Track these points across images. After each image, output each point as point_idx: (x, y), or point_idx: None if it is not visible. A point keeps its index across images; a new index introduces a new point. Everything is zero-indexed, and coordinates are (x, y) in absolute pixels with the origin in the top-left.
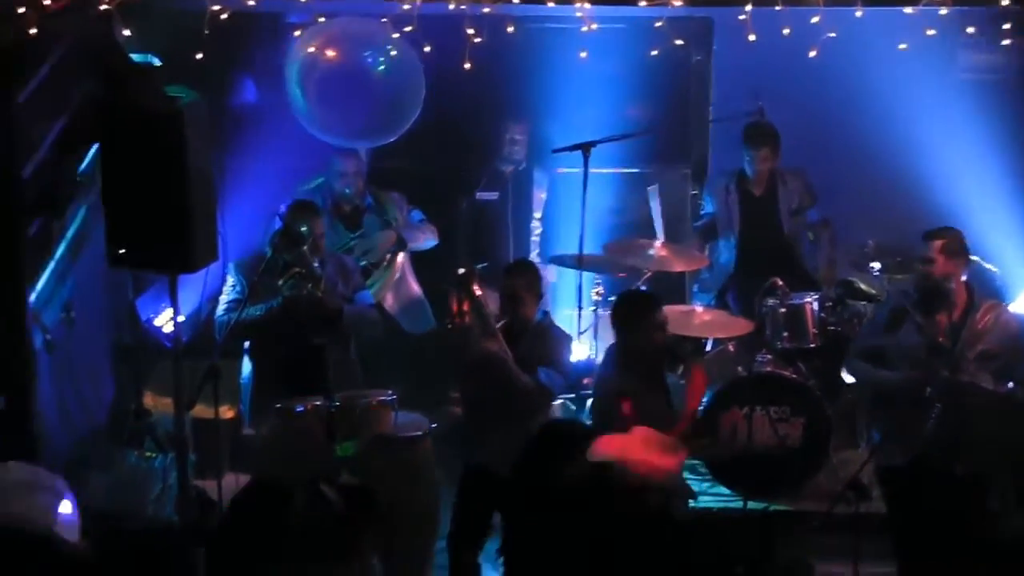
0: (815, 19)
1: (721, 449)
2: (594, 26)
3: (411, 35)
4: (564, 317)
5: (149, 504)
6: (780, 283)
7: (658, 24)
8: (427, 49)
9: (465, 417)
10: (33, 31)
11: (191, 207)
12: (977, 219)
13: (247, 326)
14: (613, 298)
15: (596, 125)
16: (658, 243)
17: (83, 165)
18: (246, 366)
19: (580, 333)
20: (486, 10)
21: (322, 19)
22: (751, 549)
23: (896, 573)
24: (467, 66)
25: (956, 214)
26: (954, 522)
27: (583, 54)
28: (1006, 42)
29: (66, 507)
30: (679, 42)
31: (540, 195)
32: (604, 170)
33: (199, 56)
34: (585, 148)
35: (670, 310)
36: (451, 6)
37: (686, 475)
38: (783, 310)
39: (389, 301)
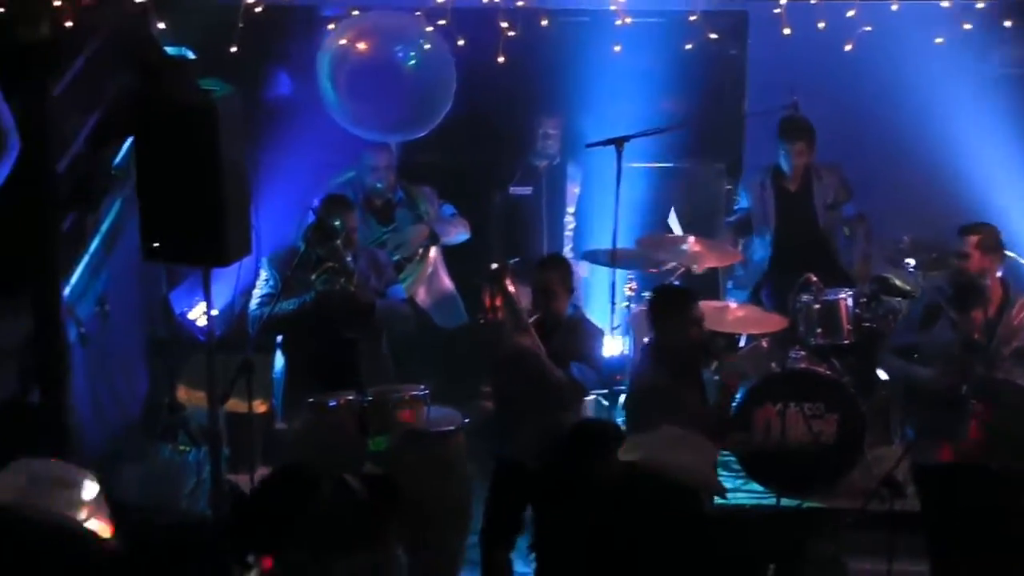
0: (851, 13)
1: (755, 445)
2: (628, 20)
3: (444, 29)
4: (597, 312)
5: (183, 498)
6: (814, 279)
7: (693, 18)
8: (460, 43)
9: (497, 412)
10: (68, 24)
11: (225, 201)
12: (1013, 215)
13: (280, 320)
14: (646, 293)
15: (630, 119)
16: (691, 238)
17: (118, 159)
18: (279, 360)
19: (613, 328)
20: (520, 3)
21: (356, 12)
22: (784, 546)
23: (930, 570)
24: (500, 60)
25: (992, 210)
26: (989, 519)
27: (617, 48)
28: None
29: (101, 503)
30: (713, 36)
31: (573, 189)
32: (638, 165)
33: (233, 49)
34: (619, 143)
35: (703, 306)
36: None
37: (719, 472)
38: (817, 306)
39: (421, 295)
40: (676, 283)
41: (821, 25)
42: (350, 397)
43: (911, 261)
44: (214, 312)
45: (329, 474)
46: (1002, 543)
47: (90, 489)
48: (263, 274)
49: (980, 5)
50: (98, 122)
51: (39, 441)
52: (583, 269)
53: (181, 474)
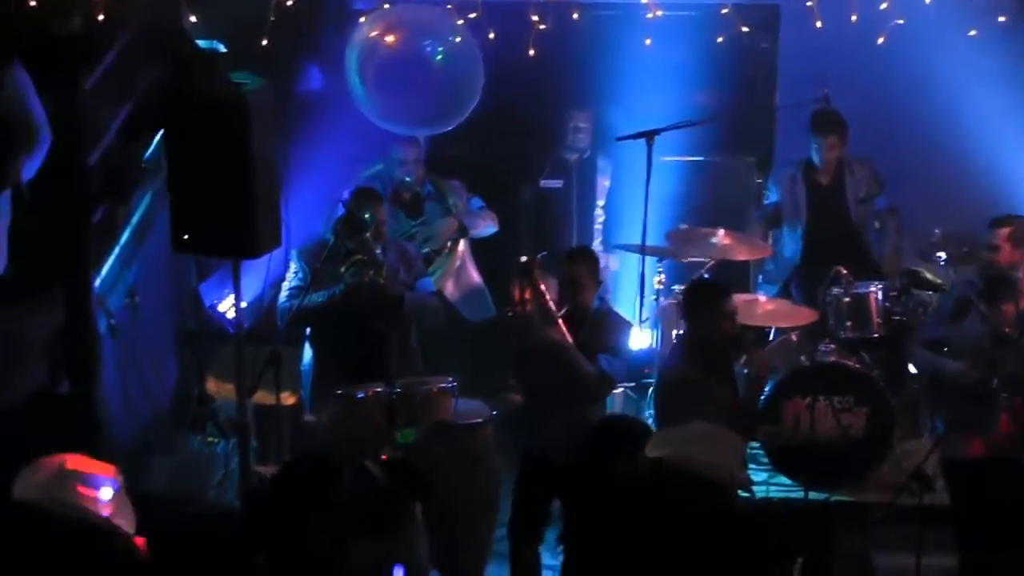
0: (883, 5)
1: (784, 438)
2: (659, 13)
3: (475, 22)
4: (626, 305)
5: (211, 489)
6: (844, 272)
7: (724, 11)
8: (491, 36)
9: (525, 404)
10: (100, 18)
11: (255, 193)
12: None
13: (309, 312)
14: (676, 286)
15: (661, 113)
16: (721, 232)
17: (148, 152)
18: (307, 353)
19: (642, 321)
20: None
21: (387, 5)
22: (811, 540)
23: (959, 565)
24: (531, 53)
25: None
26: (1019, 513)
27: (648, 41)
28: None
29: (122, 499)
30: (745, 29)
31: (604, 183)
32: (668, 158)
33: (264, 43)
34: (649, 136)
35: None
36: None
37: (748, 465)
38: (847, 299)
39: (449, 288)
40: (705, 276)
41: (853, 18)
42: (378, 389)
43: (942, 254)
44: (243, 304)
45: (350, 462)
46: None
47: (115, 484)
48: (292, 266)
49: None
50: (129, 115)
51: (69, 433)
52: (613, 262)
53: (209, 465)
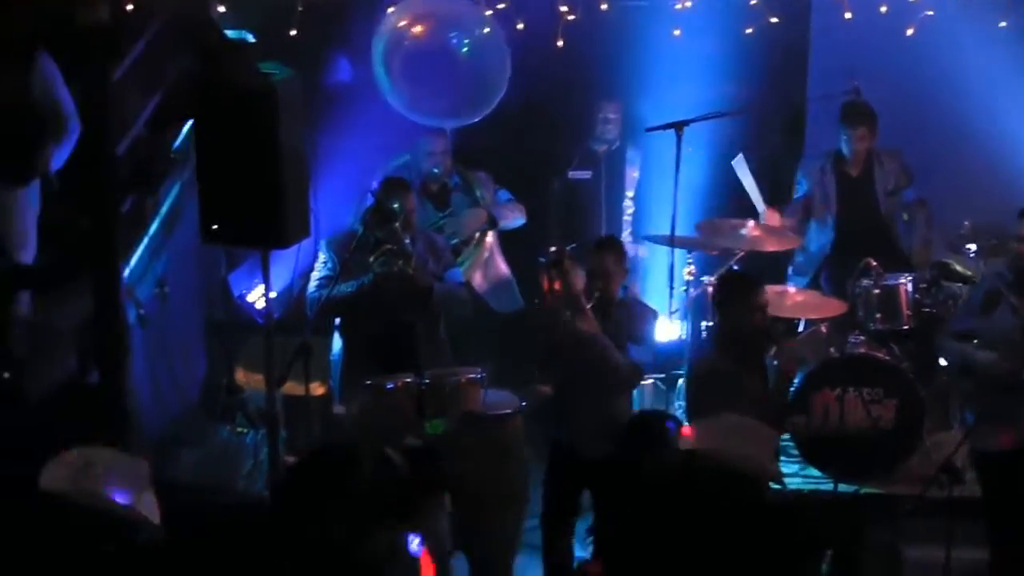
0: None
1: (813, 430)
2: (688, 3)
3: (503, 13)
4: (655, 296)
5: (240, 479)
6: (874, 264)
7: (753, 2)
8: (520, 27)
9: (554, 395)
10: (129, 7)
11: (284, 184)
12: None
13: (338, 302)
14: (705, 277)
15: (690, 104)
16: (751, 223)
17: (177, 142)
18: (336, 343)
19: (671, 312)
20: None
21: None
22: (841, 532)
23: (989, 558)
24: (559, 44)
25: None
26: None
27: (677, 32)
28: None
29: (149, 493)
30: (774, 20)
31: (633, 174)
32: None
33: (293, 32)
34: (678, 127)
35: None
36: None
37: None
38: (877, 291)
39: (478, 280)
40: (735, 268)
41: (883, 9)
42: (408, 380)
43: (972, 246)
44: (272, 294)
45: (375, 451)
46: None
47: (141, 476)
48: (321, 256)
49: None
50: (158, 105)
51: (98, 423)
52: (643, 251)
53: (238, 456)
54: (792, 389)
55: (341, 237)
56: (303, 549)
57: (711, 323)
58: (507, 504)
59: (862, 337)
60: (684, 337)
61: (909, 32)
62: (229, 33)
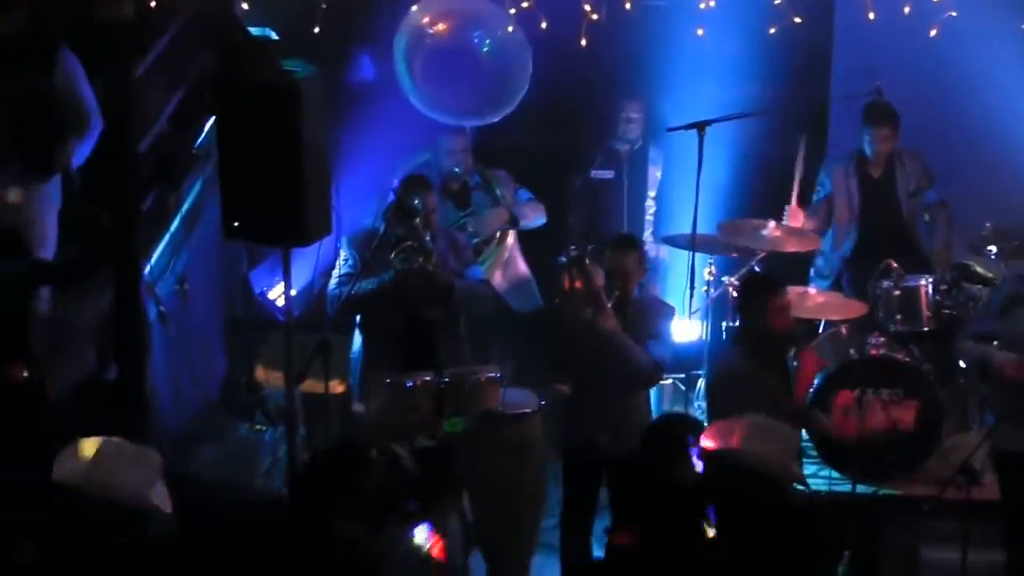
0: None
1: (832, 428)
2: (712, 3)
3: (527, 12)
4: (675, 296)
5: (258, 477)
6: (895, 265)
7: (777, 2)
8: (543, 26)
9: (574, 394)
10: (152, 4)
11: (306, 181)
12: None
13: (359, 299)
14: (726, 278)
15: (713, 104)
16: (772, 223)
17: (200, 138)
18: (357, 340)
19: (691, 313)
20: None
21: None
22: (858, 533)
23: (1006, 560)
24: (583, 43)
25: None
26: None
27: (700, 31)
28: None
29: (160, 483)
30: (798, 20)
31: (655, 173)
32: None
33: (316, 30)
34: (700, 127)
35: None
36: None
37: None
38: (897, 292)
39: (497, 279)
40: (756, 269)
41: (906, 10)
42: (427, 378)
43: (992, 248)
44: (292, 292)
45: (384, 449)
46: None
47: (153, 468)
48: (343, 254)
49: None
50: (181, 102)
51: (117, 419)
52: (664, 251)
53: (257, 453)
54: (812, 390)
55: (362, 235)
56: (316, 546)
57: (731, 323)
58: (525, 503)
59: (882, 338)
60: (704, 337)
61: (932, 33)
62: (252, 30)
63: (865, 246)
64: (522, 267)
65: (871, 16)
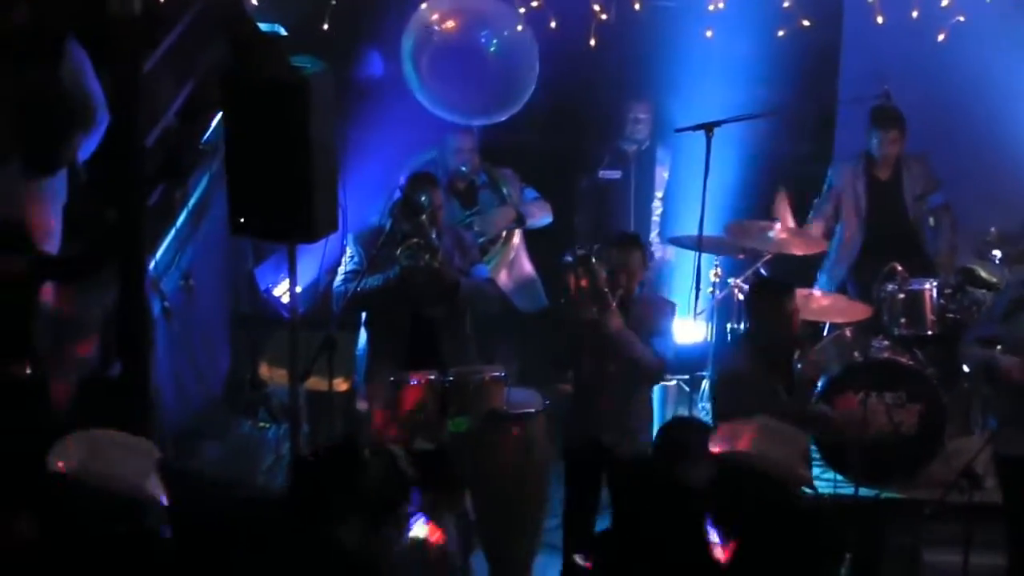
0: (944, 2)
1: (835, 425)
2: (721, 5)
3: (536, 11)
4: (681, 297)
5: (260, 474)
6: (899, 268)
7: (786, 4)
8: (552, 25)
9: (579, 393)
10: None
11: (313, 178)
12: None
13: (364, 296)
14: (732, 279)
15: (721, 105)
16: (778, 225)
17: (207, 134)
18: (362, 337)
19: (696, 314)
20: None
21: None
22: (861, 536)
23: (1008, 563)
24: (592, 43)
25: None
26: None
27: (709, 33)
28: None
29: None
30: (806, 23)
31: (663, 174)
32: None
33: (325, 27)
34: (708, 128)
35: None
36: None
37: None
38: (901, 296)
39: (503, 279)
40: (762, 271)
41: (915, 14)
42: (431, 377)
43: (997, 253)
44: (298, 289)
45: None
46: None
47: (149, 459)
48: (349, 251)
49: None
50: (189, 96)
51: (119, 415)
52: (670, 252)
53: (260, 450)
54: (816, 393)
55: (369, 232)
56: (313, 546)
57: (736, 325)
58: (528, 503)
59: (886, 342)
60: (709, 339)
61: (940, 38)
62: (262, 26)
63: (871, 248)
64: (527, 267)
65: (879, 20)
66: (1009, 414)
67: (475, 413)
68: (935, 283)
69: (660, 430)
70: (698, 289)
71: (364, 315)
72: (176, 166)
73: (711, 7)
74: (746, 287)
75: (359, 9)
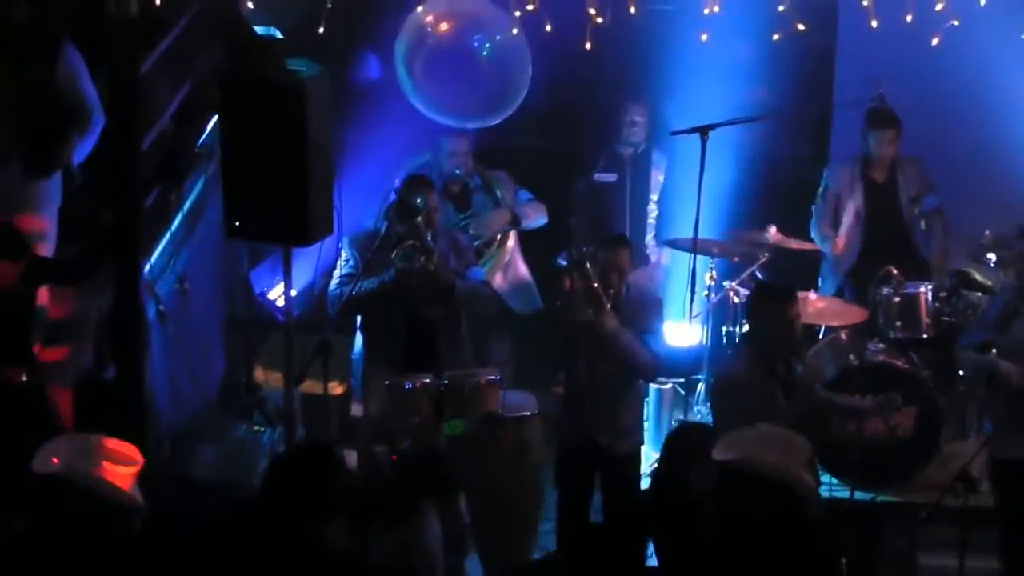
0: (939, 6)
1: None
2: (716, 8)
3: (532, 14)
4: (675, 301)
5: (255, 477)
6: (895, 271)
7: (781, 8)
8: (548, 29)
9: (576, 394)
10: (158, 1)
11: (309, 181)
12: None
13: (360, 299)
14: (727, 283)
15: (716, 108)
16: (772, 228)
17: (203, 137)
18: (359, 341)
19: (692, 317)
20: None
21: None
22: (857, 539)
23: (1001, 567)
24: (587, 46)
25: None
26: None
27: (704, 36)
28: None
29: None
30: (801, 26)
31: (658, 177)
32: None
33: (321, 30)
34: (704, 131)
35: None
36: None
37: None
38: (897, 299)
39: (498, 281)
40: (758, 274)
41: (909, 18)
42: (427, 380)
43: (992, 256)
44: (293, 292)
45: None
46: None
47: (134, 460)
48: (344, 254)
49: None
50: (185, 99)
51: (114, 418)
52: (665, 256)
53: (255, 453)
54: None
55: (364, 236)
56: (293, 548)
57: (732, 328)
58: (524, 505)
59: (882, 345)
60: (704, 342)
61: (935, 42)
62: (258, 29)
63: (867, 251)
64: (523, 269)
65: (874, 24)
66: (1005, 418)
67: (471, 416)
68: (930, 286)
69: (669, 437)
70: (693, 292)
71: (360, 319)
72: (172, 169)
73: (706, 10)
74: (742, 290)
75: (355, 12)
